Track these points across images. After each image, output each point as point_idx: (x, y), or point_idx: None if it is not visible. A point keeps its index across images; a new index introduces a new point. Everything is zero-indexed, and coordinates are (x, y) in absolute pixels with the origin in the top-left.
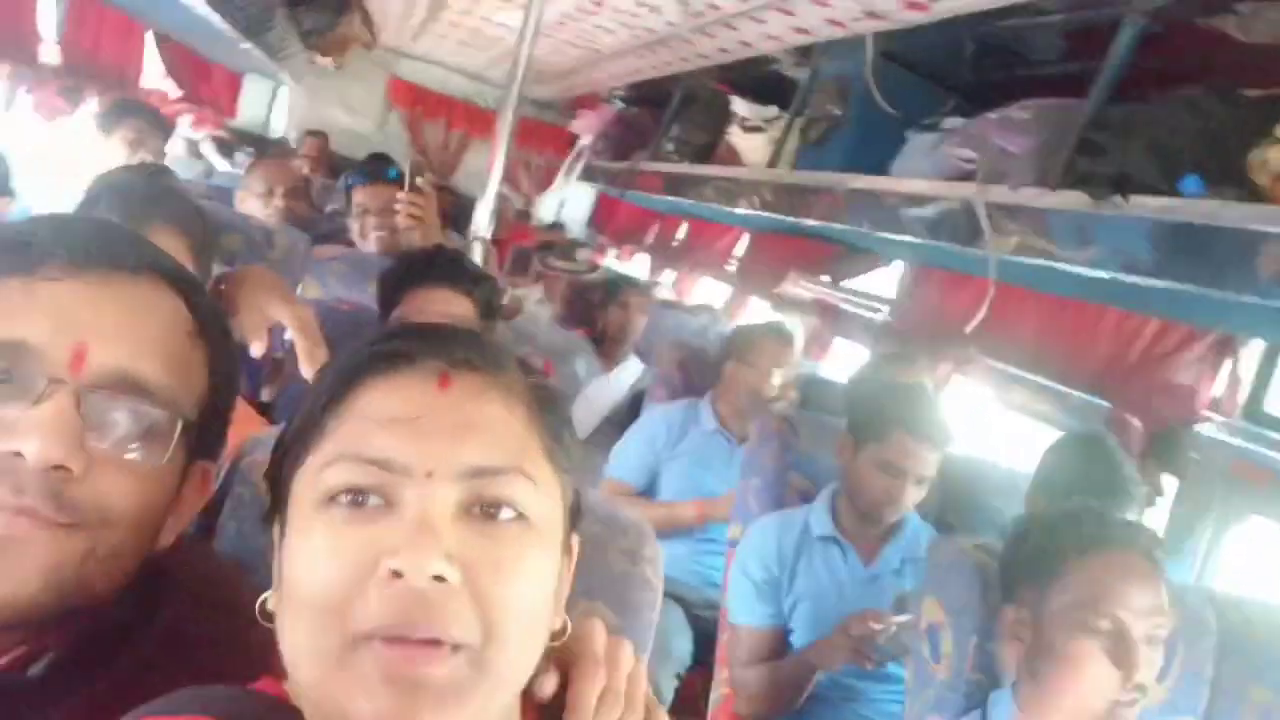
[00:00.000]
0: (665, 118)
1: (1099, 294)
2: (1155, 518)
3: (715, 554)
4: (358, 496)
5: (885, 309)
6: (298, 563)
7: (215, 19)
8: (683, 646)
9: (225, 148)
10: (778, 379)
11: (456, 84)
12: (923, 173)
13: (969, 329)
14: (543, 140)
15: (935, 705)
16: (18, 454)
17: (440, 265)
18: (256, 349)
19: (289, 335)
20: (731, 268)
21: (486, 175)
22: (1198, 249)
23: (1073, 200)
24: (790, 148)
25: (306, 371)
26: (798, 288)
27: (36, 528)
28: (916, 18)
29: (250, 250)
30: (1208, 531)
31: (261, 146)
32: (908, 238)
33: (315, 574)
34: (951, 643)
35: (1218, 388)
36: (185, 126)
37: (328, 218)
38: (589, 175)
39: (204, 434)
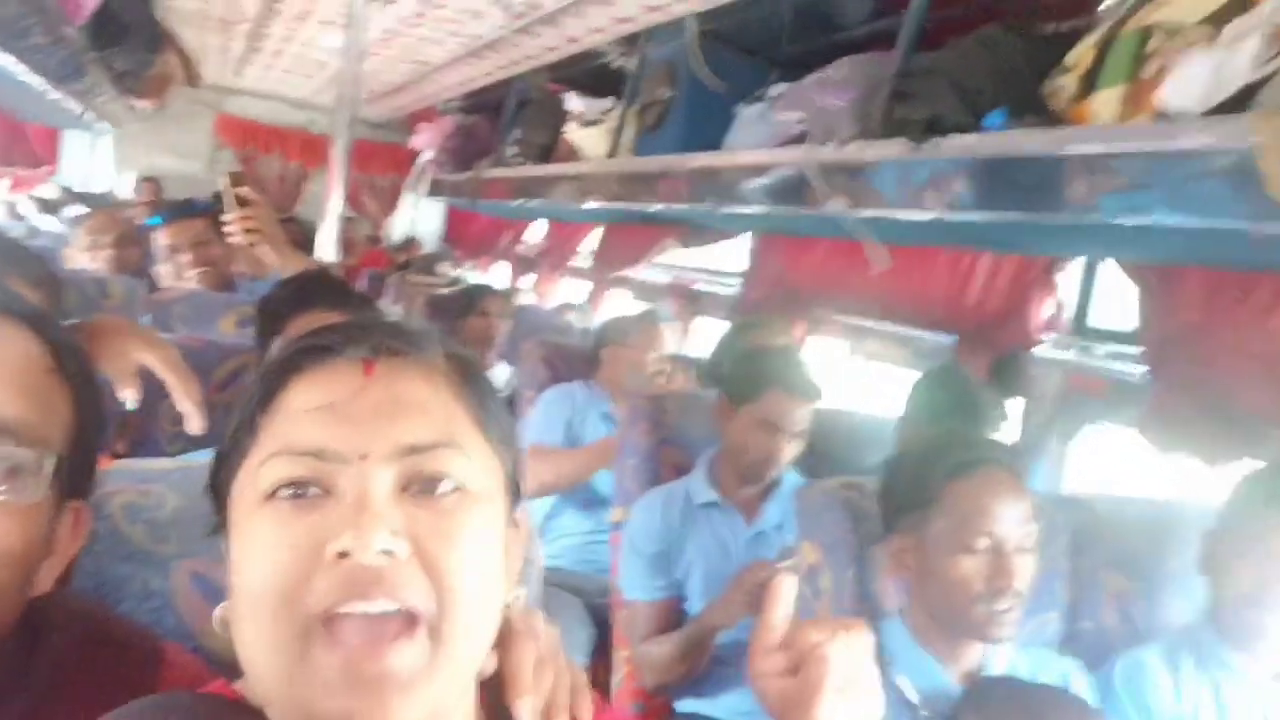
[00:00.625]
0: (503, 123)
1: (931, 237)
2: (1006, 437)
3: (606, 543)
4: (296, 489)
5: (738, 282)
6: (244, 560)
7: (21, 70)
8: (583, 636)
9: (48, 206)
10: (653, 360)
11: (287, 114)
12: (756, 143)
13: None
14: (384, 161)
15: None
16: None
17: (324, 289)
18: (130, 398)
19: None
20: (588, 264)
21: (325, 201)
22: (1010, 179)
23: (893, 149)
24: (628, 137)
25: (185, 408)
26: (653, 271)
27: None
28: None
29: (85, 303)
30: (1053, 443)
31: (89, 200)
32: (749, 209)
33: (262, 566)
34: (830, 579)
35: (1047, 309)
36: (3, 190)
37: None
38: (436, 190)
39: (75, 472)
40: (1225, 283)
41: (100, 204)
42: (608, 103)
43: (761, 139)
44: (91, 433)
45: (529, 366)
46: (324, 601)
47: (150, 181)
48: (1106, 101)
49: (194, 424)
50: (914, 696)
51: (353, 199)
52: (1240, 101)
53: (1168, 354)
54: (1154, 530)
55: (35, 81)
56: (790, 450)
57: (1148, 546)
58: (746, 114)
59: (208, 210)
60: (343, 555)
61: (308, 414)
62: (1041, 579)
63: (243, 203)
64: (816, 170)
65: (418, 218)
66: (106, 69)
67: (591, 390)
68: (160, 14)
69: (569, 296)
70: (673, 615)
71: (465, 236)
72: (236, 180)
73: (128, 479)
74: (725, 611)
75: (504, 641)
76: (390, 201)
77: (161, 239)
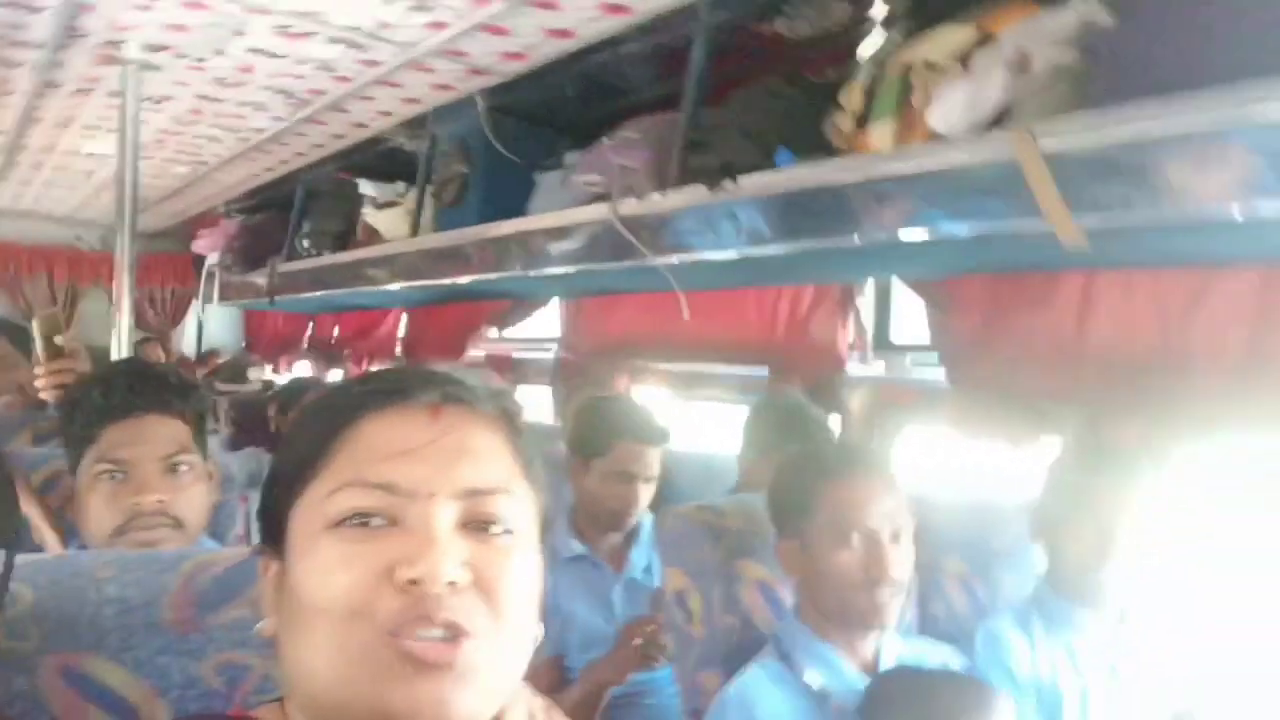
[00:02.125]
0: (293, 217)
1: (736, 278)
2: None
3: None
4: (364, 518)
5: (554, 347)
6: (311, 579)
7: None
8: None
9: None
10: None
11: (51, 232)
12: (558, 207)
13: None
14: (164, 272)
15: (701, 661)
16: None
17: (145, 389)
18: None
19: None
20: (398, 350)
21: (110, 319)
22: (804, 212)
23: (693, 195)
24: (428, 214)
25: (50, 544)
26: (472, 350)
27: None
28: (517, 67)
29: None
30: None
31: None
32: (559, 269)
33: (332, 584)
34: (699, 599)
35: (850, 332)
36: None
37: None
38: (227, 295)
39: None
40: (1001, 285)
41: None
42: (400, 186)
43: (563, 203)
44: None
45: None
46: (393, 621)
47: None
48: (881, 132)
49: (51, 546)
50: (821, 689)
51: (135, 315)
52: (997, 121)
53: (960, 357)
54: (977, 515)
55: None
56: (646, 495)
57: (975, 530)
58: (546, 181)
59: (5, 329)
60: (413, 582)
61: (382, 451)
62: None
63: (55, 353)
64: (622, 224)
65: (207, 326)
66: None
67: None
68: None
69: None
70: (556, 673)
71: (261, 337)
72: (51, 325)
73: None
74: (617, 668)
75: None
76: (175, 313)
77: None
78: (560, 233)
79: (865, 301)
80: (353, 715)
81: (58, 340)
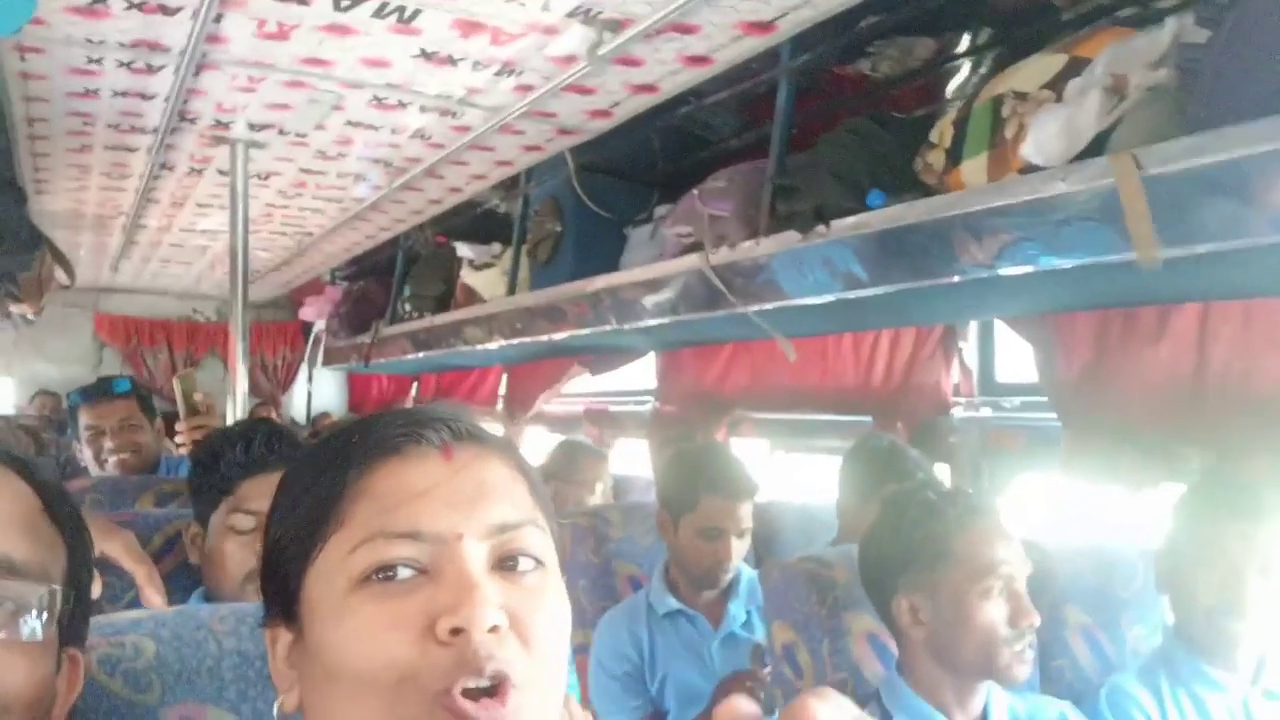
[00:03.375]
0: (394, 281)
1: (833, 323)
2: None
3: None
4: (388, 572)
5: (650, 399)
6: (348, 646)
7: None
8: None
9: None
10: (598, 492)
11: (168, 306)
12: (650, 260)
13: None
14: (273, 339)
15: None
16: None
17: (280, 446)
18: (94, 589)
19: None
20: (499, 407)
21: (225, 386)
22: (899, 252)
23: (785, 241)
24: (524, 274)
25: (149, 595)
26: (565, 403)
27: None
28: (603, 125)
29: None
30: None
31: None
32: (653, 321)
33: (373, 649)
34: (808, 653)
35: (954, 374)
36: None
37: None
38: (332, 359)
39: (71, 616)
40: (1111, 320)
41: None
42: (496, 247)
43: (655, 256)
44: (84, 575)
45: None
46: (443, 681)
47: (48, 395)
48: (974, 168)
49: (157, 608)
50: None
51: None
52: (1095, 150)
53: (1071, 397)
54: (1099, 563)
55: None
56: (739, 550)
57: (1098, 579)
58: (636, 235)
59: (134, 390)
60: (455, 631)
61: (400, 497)
62: None
63: (193, 410)
64: (714, 274)
65: (317, 390)
66: None
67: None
68: (34, 216)
69: None
70: None
71: (366, 401)
72: (190, 384)
73: (99, 633)
74: None
75: None
76: (286, 379)
77: (84, 419)
78: (653, 285)
79: (968, 343)
80: None
81: (196, 398)
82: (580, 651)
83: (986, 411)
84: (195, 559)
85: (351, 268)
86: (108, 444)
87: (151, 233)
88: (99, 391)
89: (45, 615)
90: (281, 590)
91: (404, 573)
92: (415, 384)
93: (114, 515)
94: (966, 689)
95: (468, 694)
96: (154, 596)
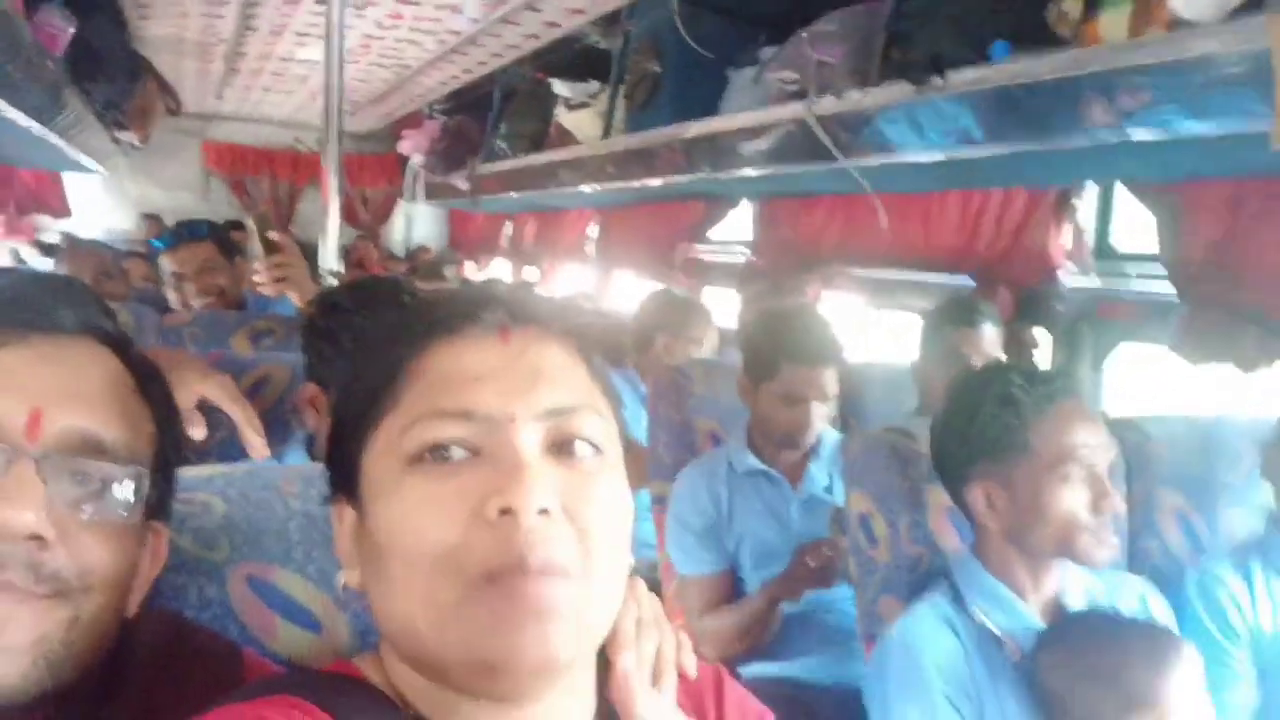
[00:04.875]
0: (490, 118)
1: (939, 180)
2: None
3: (641, 519)
4: (442, 451)
5: (745, 250)
6: (397, 524)
7: (2, 107)
8: None
9: (49, 251)
10: (706, 348)
11: (271, 135)
12: (751, 106)
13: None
14: (373, 173)
15: (884, 587)
16: None
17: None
18: (197, 432)
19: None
20: (590, 250)
21: (323, 216)
22: (1020, 110)
23: (896, 93)
24: (619, 116)
25: (250, 438)
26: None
27: (17, 602)
28: None
29: None
30: (1085, 369)
31: (87, 244)
32: (752, 171)
33: (421, 526)
34: (885, 525)
35: (1066, 239)
36: None
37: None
38: (430, 194)
39: (157, 493)
40: (1247, 191)
41: (76, 242)
42: (594, 85)
43: (757, 102)
44: (172, 453)
45: None
46: (488, 562)
47: (153, 219)
48: (1114, 20)
49: (258, 451)
50: (997, 630)
51: (347, 213)
52: (1252, 5)
53: (1194, 272)
54: (1202, 445)
55: (18, 118)
56: (820, 416)
57: (1198, 462)
58: (738, 79)
59: (212, 234)
60: (504, 512)
61: (455, 378)
62: None
63: (271, 248)
64: (818, 124)
65: (414, 222)
66: (88, 101)
67: (627, 376)
68: (135, 43)
69: (571, 284)
70: (728, 587)
71: (465, 236)
72: (263, 224)
73: None
74: (792, 586)
75: None
76: (384, 213)
77: (167, 265)
78: (752, 133)
79: (1085, 206)
80: (453, 664)
81: (273, 236)
82: (658, 503)
83: (1096, 280)
84: (312, 423)
85: (450, 103)
86: (190, 288)
87: (252, 60)
88: (177, 237)
89: (132, 496)
90: (343, 468)
91: (456, 453)
92: (508, 223)
93: (204, 356)
94: (1042, 569)
95: (512, 578)
96: (253, 438)
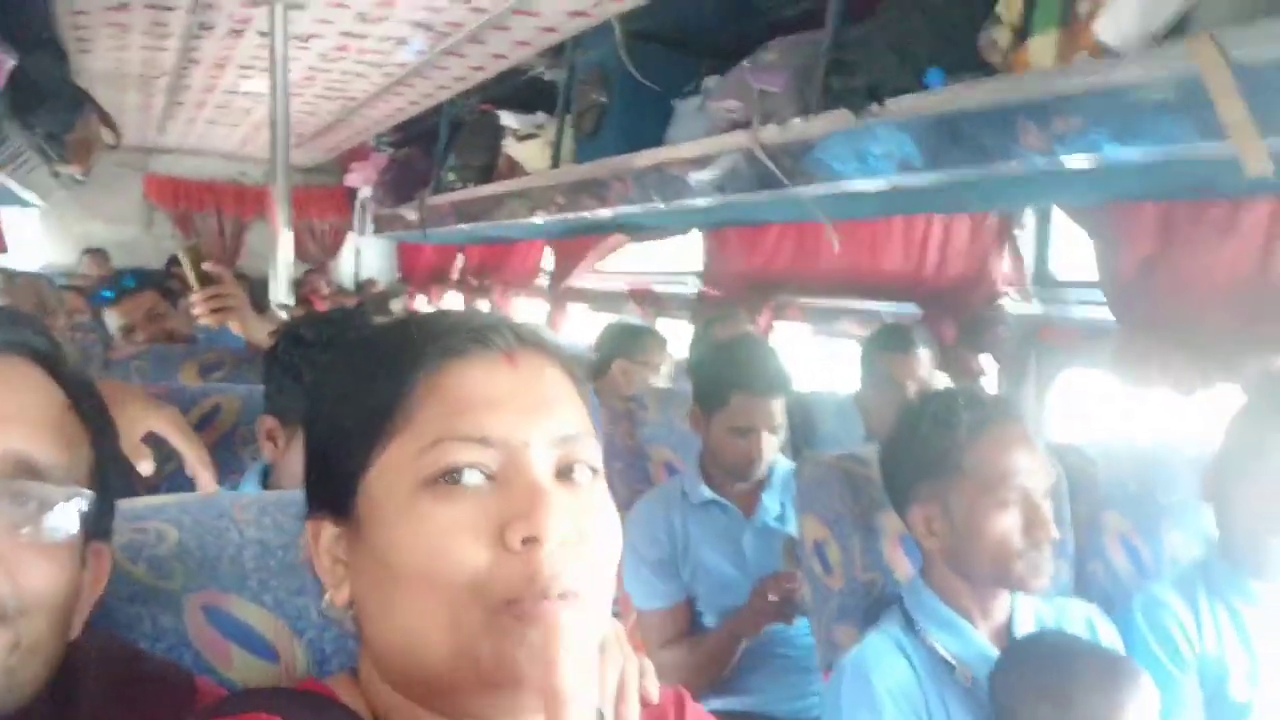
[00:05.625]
0: (438, 150)
1: (885, 206)
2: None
3: None
4: (454, 475)
5: (696, 281)
6: (415, 545)
7: None
8: None
9: None
10: (663, 375)
11: (216, 168)
12: (696, 135)
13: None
14: (320, 205)
15: (839, 615)
16: None
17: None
18: (145, 467)
19: None
20: (543, 282)
21: (271, 250)
22: (958, 137)
23: (838, 120)
24: (567, 146)
25: (198, 472)
26: (610, 280)
27: None
28: None
29: None
30: (1029, 394)
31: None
32: (699, 201)
33: (443, 551)
34: (839, 551)
35: (1006, 264)
36: None
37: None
38: (379, 227)
39: (96, 513)
40: (1177, 213)
41: (19, 276)
42: (540, 116)
43: (701, 131)
44: (110, 471)
45: None
46: (512, 590)
47: (96, 253)
48: (1042, 47)
49: (206, 487)
50: (949, 655)
51: (296, 246)
52: (1176, 30)
53: (1129, 293)
54: (1143, 468)
55: None
56: (771, 444)
57: (1140, 485)
58: (683, 108)
59: (152, 282)
60: (526, 541)
61: (469, 402)
62: None
63: (207, 280)
64: (763, 152)
65: (363, 257)
66: (28, 134)
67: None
68: (76, 76)
69: (526, 315)
70: (685, 619)
71: (416, 268)
72: (197, 255)
73: (121, 518)
74: (752, 622)
75: None
76: (333, 245)
77: (113, 319)
78: (699, 162)
79: (1024, 232)
80: (464, 684)
81: (206, 268)
82: None
83: (1038, 305)
84: (270, 455)
85: (397, 134)
86: (140, 337)
87: (195, 93)
88: (120, 291)
89: (69, 517)
90: (331, 484)
91: (472, 477)
92: (460, 255)
93: (151, 388)
94: (988, 594)
95: (535, 604)
96: (202, 474)
